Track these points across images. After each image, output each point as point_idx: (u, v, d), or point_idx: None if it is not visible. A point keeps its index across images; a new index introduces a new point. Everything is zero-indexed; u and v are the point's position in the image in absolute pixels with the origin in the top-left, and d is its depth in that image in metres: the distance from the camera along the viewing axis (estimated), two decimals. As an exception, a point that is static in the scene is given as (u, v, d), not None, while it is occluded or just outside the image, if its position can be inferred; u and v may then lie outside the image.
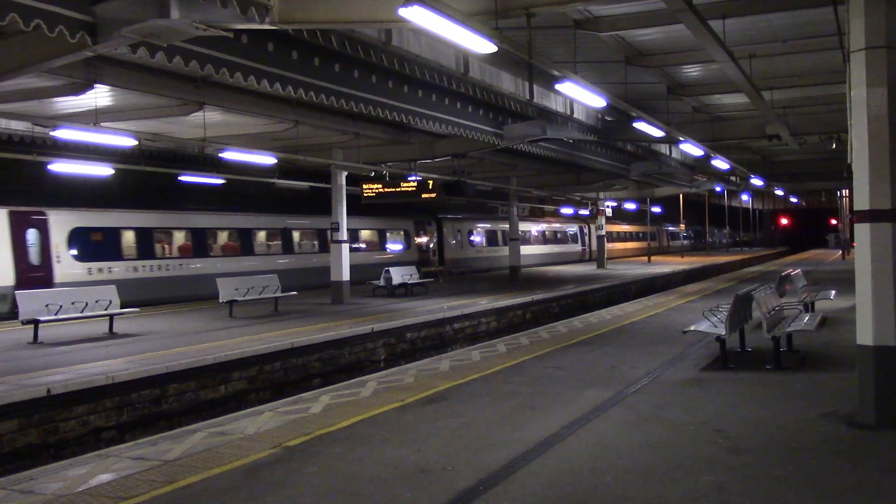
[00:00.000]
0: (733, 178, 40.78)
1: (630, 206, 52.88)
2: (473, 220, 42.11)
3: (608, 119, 21.48)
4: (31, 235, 20.41)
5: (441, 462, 6.72)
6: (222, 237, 26.91)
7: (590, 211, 46.22)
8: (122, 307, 16.24)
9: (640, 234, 63.83)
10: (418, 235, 36.82)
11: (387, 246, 34.38)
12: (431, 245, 37.58)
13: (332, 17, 9.03)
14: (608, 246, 52.90)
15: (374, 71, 13.31)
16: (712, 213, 68.30)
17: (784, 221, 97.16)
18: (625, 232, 62.16)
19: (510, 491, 5.95)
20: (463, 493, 5.91)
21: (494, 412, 8.58)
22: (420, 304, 21.22)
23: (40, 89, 13.19)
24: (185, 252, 24.94)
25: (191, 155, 22.37)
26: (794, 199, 75.83)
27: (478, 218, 43.00)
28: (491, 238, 43.07)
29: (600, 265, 41.18)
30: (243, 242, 27.29)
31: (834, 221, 74.06)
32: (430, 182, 22.46)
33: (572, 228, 52.98)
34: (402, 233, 35.74)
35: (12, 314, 17.79)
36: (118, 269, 22.15)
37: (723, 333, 10.87)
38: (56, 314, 14.85)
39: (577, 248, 52.77)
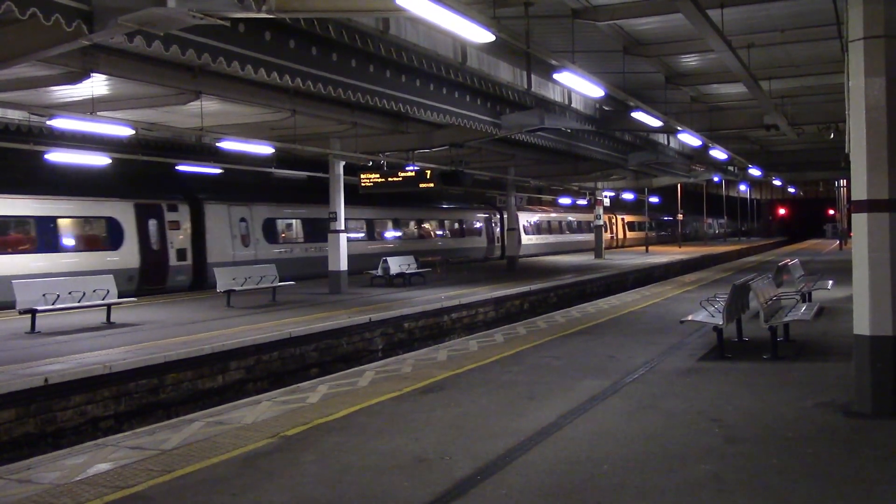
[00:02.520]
0: (731, 168, 40.81)
1: (628, 196, 52.00)
2: (280, 203, 28.30)
3: (606, 109, 21.46)
4: None
5: (439, 451, 6.73)
6: None
7: (588, 201, 45.64)
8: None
9: (577, 225, 53.98)
10: (144, 227, 22.87)
11: (63, 243, 21.01)
12: (176, 242, 23.73)
13: (329, 5, 9.00)
14: (526, 241, 45.61)
15: (372, 60, 13.28)
16: (710, 202, 67.92)
17: (782, 211, 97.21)
18: (556, 222, 50.93)
19: (508, 480, 5.97)
20: (461, 482, 5.92)
21: (492, 401, 8.59)
22: (418, 294, 21.23)
23: (36, 78, 13.15)
24: None
25: (187, 144, 22.33)
26: (791, 189, 75.84)
27: (291, 200, 28.87)
28: (317, 231, 28.23)
29: (598, 255, 41.21)
30: None
31: (831, 211, 74.07)
32: (428, 172, 22.45)
33: (474, 218, 41.73)
34: (104, 224, 22.16)
35: None
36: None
37: (720, 323, 10.88)
38: (53, 304, 14.83)
39: (482, 242, 41.80)
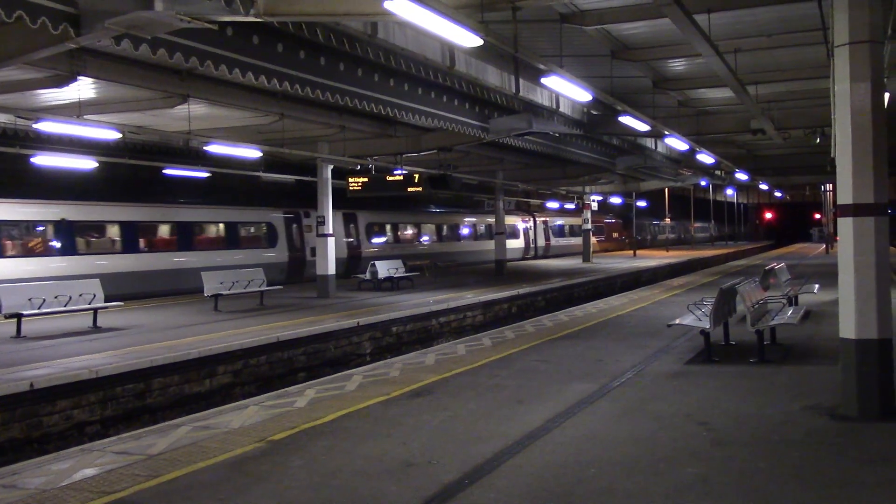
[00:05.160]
0: (718, 173, 40.95)
1: (616, 200, 51.49)
2: None
3: (594, 113, 21.50)
4: None
5: (426, 455, 6.73)
6: None
7: (576, 205, 45.22)
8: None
9: (468, 231, 42.54)
10: None
11: None
12: None
13: (317, 9, 9.00)
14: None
15: (360, 64, 13.27)
16: (697, 207, 67.97)
17: (768, 215, 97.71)
18: (444, 225, 39.94)
19: (496, 484, 5.97)
20: (448, 487, 5.92)
21: (480, 406, 8.59)
22: (406, 298, 21.21)
23: (23, 81, 13.08)
24: None
25: (175, 148, 22.25)
26: (778, 194, 76.26)
27: None
28: None
29: (586, 259, 41.25)
30: None
31: (818, 215, 74.48)
32: (416, 176, 22.44)
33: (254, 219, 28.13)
34: None
35: None
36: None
37: (707, 327, 10.92)
38: (39, 308, 14.75)
39: (270, 254, 27.69)
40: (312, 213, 27.38)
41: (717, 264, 42.20)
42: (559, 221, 51.94)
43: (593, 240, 53.18)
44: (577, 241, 51.38)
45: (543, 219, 49.52)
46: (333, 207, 28.50)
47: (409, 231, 37.34)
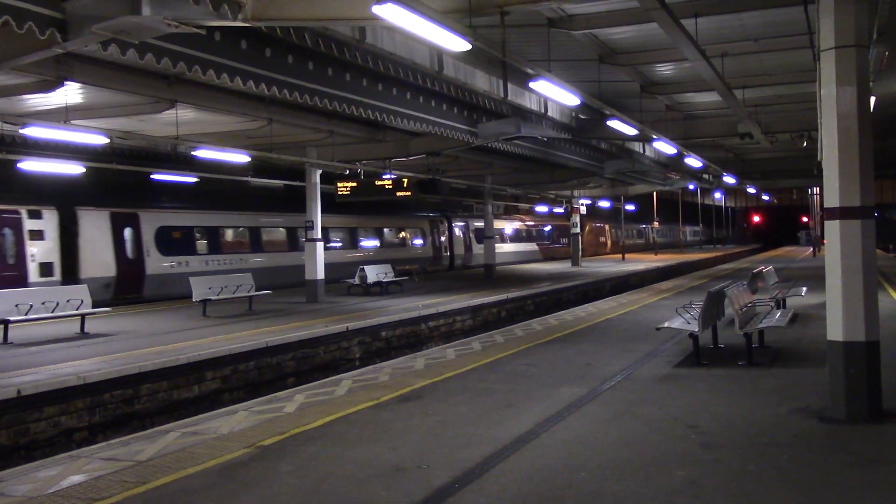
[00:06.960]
0: (706, 176, 41.11)
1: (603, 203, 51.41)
2: None
3: (582, 117, 21.57)
4: None
5: (416, 460, 6.72)
6: None
7: (565, 209, 45.08)
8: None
9: (344, 237, 33.11)
10: None
11: None
12: None
13: (305, 14, 9.00)
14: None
15: (348, 69, 13.27)
16: (686, 210, 68.12)
17: (756, 219, 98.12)
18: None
19: (485, 488, 5.96)
20: (438, 491, 5.91)
21: (470, 410, 8.59)
22: (395, 303, 21.19)
23: (9, 86, 13.02)
24: None
25: (163, 153, 22.18)
26: (766, 197, 76.61)
27: None
28: None
29: (575, 263, 41.30)
30: None
31: (805, 219, 74.81)
32: (405, 180, 22.45)
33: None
34: None
35: None
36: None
37: (696, 330, 10.94)
38: (26, 314, 14.67)
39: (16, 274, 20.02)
40: (48, 211, 21.01)
41: (705, 268, 42.33)
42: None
43: (535, 246, 48.77)
44: (515, 247, 46.31)
45: (463, 221, 41.68)
46: (95, 206, 22.37)
47: (237, 238, 28.03)
